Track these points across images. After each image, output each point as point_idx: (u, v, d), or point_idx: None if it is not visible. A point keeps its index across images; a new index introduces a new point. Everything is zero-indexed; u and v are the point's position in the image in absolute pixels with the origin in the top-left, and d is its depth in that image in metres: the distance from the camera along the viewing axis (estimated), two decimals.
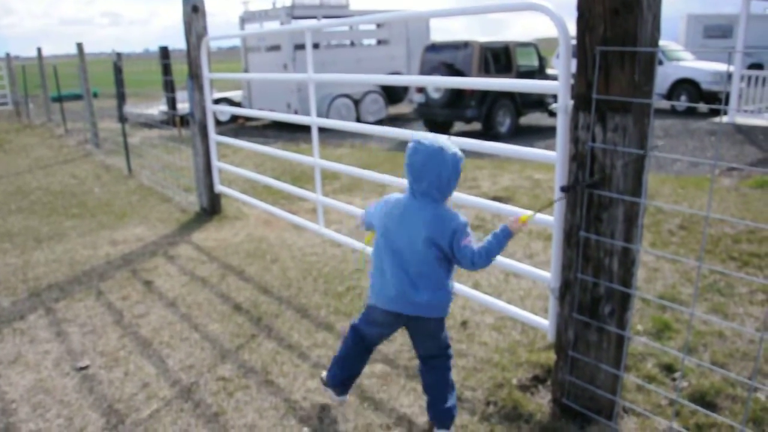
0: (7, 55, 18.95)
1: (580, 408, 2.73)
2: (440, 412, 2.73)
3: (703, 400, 2.91)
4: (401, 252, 2.57)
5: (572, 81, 2.59)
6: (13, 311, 4.22)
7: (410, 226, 2.55)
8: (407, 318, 2.65)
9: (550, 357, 3.15)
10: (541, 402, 2.96)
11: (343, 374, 2.88)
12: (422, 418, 2.88)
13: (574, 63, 2.53)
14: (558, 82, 2.71)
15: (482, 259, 2.51)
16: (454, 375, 3.19)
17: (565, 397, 2.78)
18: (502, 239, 2.53)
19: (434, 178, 2.48)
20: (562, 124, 2.68)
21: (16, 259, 5.26)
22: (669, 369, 3.19)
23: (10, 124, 16.41)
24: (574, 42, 2.50)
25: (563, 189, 2.57)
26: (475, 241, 2.56)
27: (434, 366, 2.77)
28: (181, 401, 3.09)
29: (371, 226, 2.79)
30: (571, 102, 2.54)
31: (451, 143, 2.55)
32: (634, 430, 2.73)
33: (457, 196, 3.63)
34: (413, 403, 3.00)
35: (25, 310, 4.24)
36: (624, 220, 2.44)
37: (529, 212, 2.64)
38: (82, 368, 3.44)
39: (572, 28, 2.55)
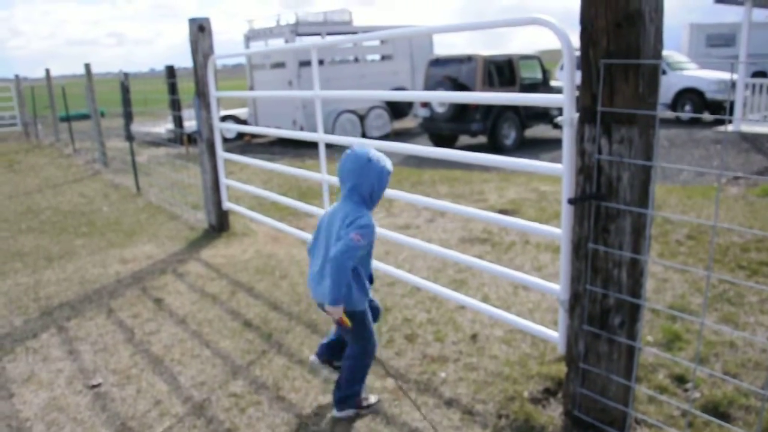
0: (16, 76, 19.17)
1: (592, 420, 2.73)
2: (334, 393, 3.02)
3: (716, 410, 2.90)
4: (321, 245, 2.87)
5: (577, 94, 2.62)
6: (26, 330, 4.25)
7: (332, 222, 2.82)
8: (319, 305, 2.88)
9: (561, 369, 3.15)
10: (552, 414, 2.96)
11: (331, 336, 3.15)
12: None
13: (578, 75, 2.56)
14: (563, 95, 2.73)
15: (341, 266, 2.61)
16: (464, 388, 3.21)
17: (576, 410, 2.78)
18: (338, 286, 2.63)
19: (357, 184, 2.76)
20: (567, 136, 2.71)
21: (28, 278, 5.30)
22: (680, 380, 3.18)
23: (19, 144, 16.55)
24: (577, 54, 2.53)
25: (570, 201, 2.59)
26: (361, 251, 2.69)
27: (347, 353, 2.99)
28: (193, 418, 3.11)
29: (310, 248, 3.01)
30: (577, 115, 2.57)
31: (383, 156, 2.82)
32: None
33: (464, 209, 3.65)
34: (425, 416, 3.00)
35: (38, 328, 4.27)
36: (632, 231, 2.46)
37: (349, 324, 2.81)
38: (94, 386, 3.46)
39: (575, 41, 2.58)
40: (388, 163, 2.83)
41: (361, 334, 2.93)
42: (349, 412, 3.01)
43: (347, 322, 2.76)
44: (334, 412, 3.02)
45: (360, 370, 3.00)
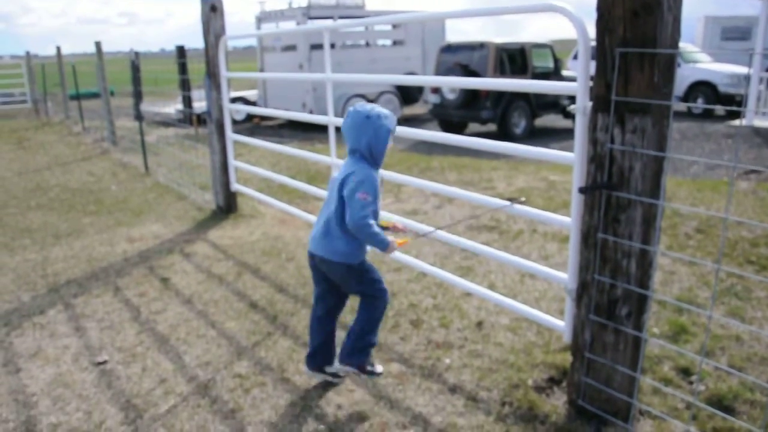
0: (27, 53, 19.17)
1: (595, 410, 2.73)
2: (344, 344, 3.01)
3: (721, 404, 2.90)
4: (327, 201, 2.92)
5: (590, 82, 2.59)
6: (33, 306, 4.28)
7: (337, 178, 2.85)
8: (314, 257, 2.96)
9: (566, 358, 3.15)
10: (556, 403, 2.96)
11: (310, 345, 3.16)
12: (438, 418, 2.89)
13: (592, 65, 2.53)
14: (576, 84, 2.71)
15: (363, 225, 2.69)
16: (468, 375, 3.21)
17: (580, 399, 2.78)
18: (378, 240, 2.76)
19: (356, 141, 2.83)
20: (580, 125, 2.68)
21: (36, 255, 5.33)
22: (686, 372, 3.17)
23: (29, 121, 16.59)
24: (592, 44, 2.51)
25: (581, 190, 2.57)
26: (372, 208, 2.74)
27: (360, 306, 3.01)
28: (198, 397, 3.12)
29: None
30: (590, 103, 2.54)
31: (385, 114, 2.85)
32: None
33: (473, 196, 3.64)
34: (429, 402, 3.01)
35: (45, 305, 4.29)
36: (642, 221, 2.44)
37: (408, 237, 3.05)
38: (100, 363, 3.48)
39: (591, 30, 2.55)
40: (388, 121, 2.85)
41: (367, 287, 2.96)
42: (348, 369, 3.00)
43: (404, 243, 2.95)
44: (336, 365, 3.03)
45: (373, 320, 2.98)
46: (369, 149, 2.83)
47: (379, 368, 3.13)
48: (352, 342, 2.98)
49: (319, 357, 3.13)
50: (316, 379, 3.19)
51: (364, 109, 2.84)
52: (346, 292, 3.09)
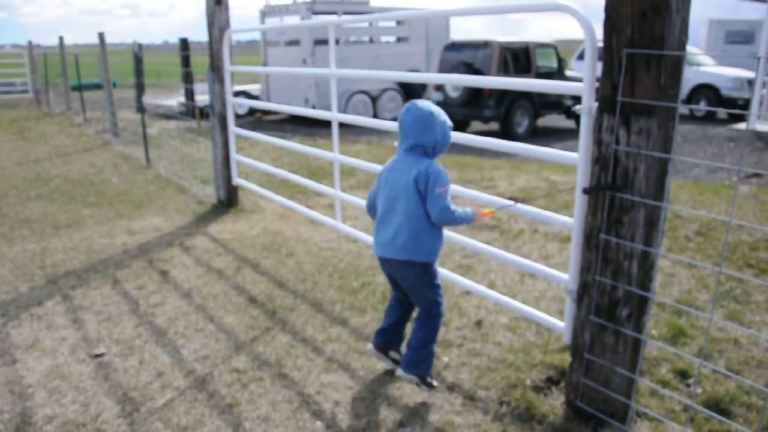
0: (29, 43, 19.13)
1: (593, 410, 2.72)
2: (406, 354, 2.97)
3: (718, 407, 2.89)
4: (390, 199, 2.85)
5: (596, 83, 2.58)
6: (31, 297, 4.27)
7: (398, 175, 2.81)
8: (390, 262, 2.90)
9: (564, 359, 3.15)
10: (554, 403, 2.95)
11: (382, 324, 3.17)
12: (435, 416, 2.88)
13: (598, 66, 2.52)
14: (582, 84, 2.70)
15: (449, 215, 2.73)
16: (467, 373, 3.20)
17: (578, 400, 2.78)
18: (463, 218, 2.78)
19: (419, 138, 2.78)
20: (585, 125, 2.67)
21: (35, 246, 5.32)
22: (683, 375, 3.17)
23: (30, 111, 16.57)
24: (599, 44, 2.49)
25: (585, 191, 2.56)
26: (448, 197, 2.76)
27: (418, 318, 2.99)
28: (195, 391, 3.12)
29: (373, 202, 3.04)
30: (596, 104, 2.53)
31: (441, 110, 2.86)
32: None
33: (475, 195, 3.63)
34: (426, 400, 3.00)
35: (43, 296, 4.28)
36: (645, 223, 2.43)
37: (493, 207, 3.06)
38: (97, 355, 3.48)
39: (598, 30, 2.53)
40: (448, 119, 2.87)
41: (436, 288, 2.94)
42: (411, 378, 2.96)
43: (490, 213, 2.95)
44: (400, 372, 2.98)
45: (432, 330, 2.96)
46: (434, 146, 2.82)
47: (435, 383, 3.09)
48: (416, 352, 2.95)
49: (388, 336, 3.15)
50: (378, 359, 3.21)
51: (425, 105, 2.81)
52: (414, 300, 3.03)
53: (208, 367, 3.35)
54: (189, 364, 3.38)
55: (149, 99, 14.74)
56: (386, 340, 3.16)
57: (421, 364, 2.96)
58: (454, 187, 3.78)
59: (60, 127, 13.39)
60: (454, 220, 2.76)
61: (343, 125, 4.86)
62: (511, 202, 3.22)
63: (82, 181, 7.87)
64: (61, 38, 15.31)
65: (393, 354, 3.18)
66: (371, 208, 3.08)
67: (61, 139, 11.55)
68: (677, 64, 2.28)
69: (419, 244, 2.80)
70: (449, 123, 2.87)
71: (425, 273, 2.89)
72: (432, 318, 2.95)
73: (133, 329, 3.79)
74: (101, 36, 10.81)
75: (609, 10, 2.34)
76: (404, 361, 2.98)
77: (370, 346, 3.19)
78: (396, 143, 2.94)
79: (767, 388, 2.97)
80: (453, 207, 2.74)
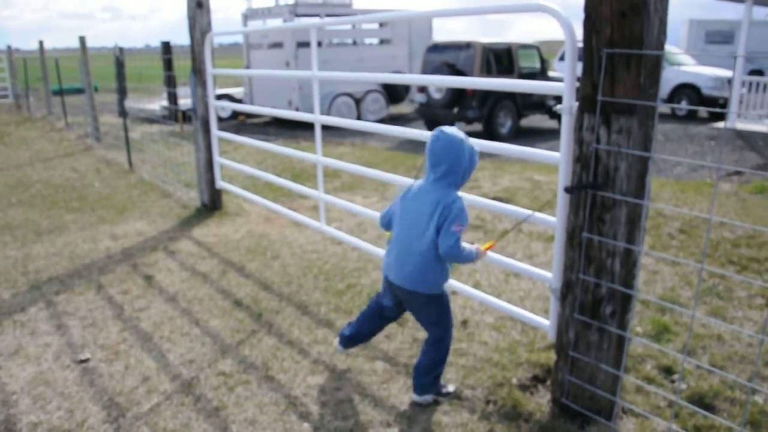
0: (8, 47, 18.92)
1: (579, 408, 2.74)
2: (415, 378, 2.98)
3: (702, 402, 2.93)
4: (407, 226, 2.82)
5: (577, 83, 2.60)
6: (14, 303, 4.22)
7: (420, 204, 2.78)
8: (398, 289, 2.89)
9: (550, 357, 3.17)
10: (540, 402, 2.97)
11: (353, 329, 3.20)
12: (422, 416, 2.89)
13: (579, 66, 2.55)
14: (563, 84, 2.72)
15: (458, 253, 2.72)
16: (453, 373, 3.21)
17: (564, 397, 2.80)
18: (468, 257, 2.78)
19: (451, 165, 2.73)
20: (566, 125, 2.70)
21: (17, 252, 5.26)
22: (668, 371, 3.20)
23: (10, 116, 16.39)
24: (580, 45, 2.52)
25: (567, 190, 2.58)
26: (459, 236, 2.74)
27: (428, 341, 2.98)
28: (181, 395, 3.10)
29: (389, 220, 3.01)
30: (576, 104, 2.56)
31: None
32: (633, 430, 2.75)
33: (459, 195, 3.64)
34: (413, 400, 3.01)
35: (26, 302, 4.24)
36: (627, 221, 2.46)
37: (492, 241, 3.01)
38: (82, 361, 3.45)
39: (578, 30, 2.56)
40: (472, 143, 2.87)
41: (442, 316, 2.94)
42: (428, 398, 2.96)
43: (491, 246, 2.97)
44: (414, 397, 2.97)
45: (441, 354, 2.96)
46: (464, 174, 2.78)
47: (451, 387, 3.08)
48: (426, 375, 2.95)
49: (359, 340, 3.24)
50: (339, 347, 3.27)
51: (454, 131, 2.76)
52: (421, 323, 3.03)
53: (194, 370, 3.33)
54: (175, 368, 3.37)
55: (131, 103, 14.64)
56: (356, 342, 3.25)
57: (432, 386, 2.98)
58: None
59: (41, 132, 13.26)
60: (460, 259, 2.75)
61: (327, 127, 4.86)
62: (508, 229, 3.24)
63: (64, 186, 7.80)
64: (41, 42, 15.17)
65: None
66: (385, 225, 3.05)
67: (42, 144, 11.44)
68: (656, 64, 2.31)
69: (425, 276, 2.80)
70: (476, 148, 2.85)
71: (432, 302, 2.89)
72: (442, 343, 2.95)
73: (118, 334, 3.76)
74: (82, 40, 10.72)
75: (588, 10, 2.36)
76: (417, 386, 2.97)
77: (338, 346, 3.26)
78: (420, 162, 2.93)
79: (750, 382, 3.01)
80: (462, 245, 2.72)
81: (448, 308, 2.96)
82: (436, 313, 2.93)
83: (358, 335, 3.21)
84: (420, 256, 2.76)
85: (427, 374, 2.95)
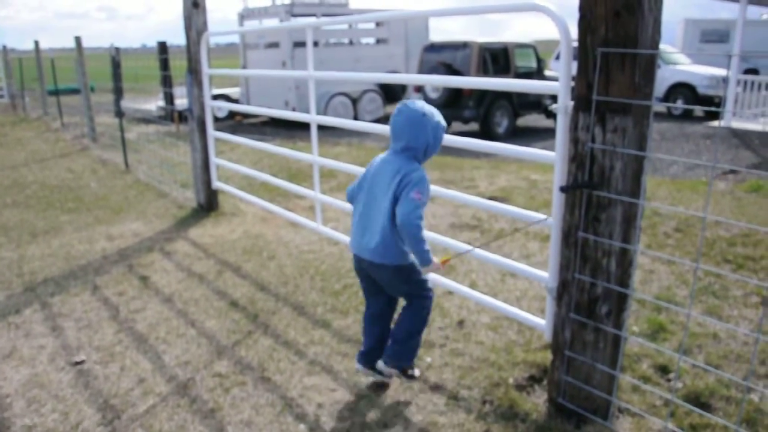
0: (4, 47, 18.89)
1: (575, 407, 2.74)
2: (389, 347, 2.96)
3: (698, 400, 2.93)
4: (369, 200, 2.80)
5: (572, 82, 2.60)
6: (8, 305, 4.21)
7: (382, 176, 2.76)
8: (365, 262, 2.86)
9: (546, 357, 3.17)
10: (537, 401, 2.97)
11: (364, 345, 3.10)
12: (418, 417, 2.89)
13: (574, 65, 2.54)
14: (558, 83, 2.72)
15: (414, 223, 2.60)
16: (450, 373, 3.21)
17: (561, 397, 2.79)
18: (422, 249, 2.66)
19: (412, 140, 2.71)
20: (561, 124, 2.69)
21: (12, 253, 5.25)
22: (664, 370, 3.20)
23: (5, 117, 16.35)
24: (575, 44, 2.52)
25: (562, 189, 2.58)
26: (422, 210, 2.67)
27: (405, 306, 2.97)
28: (177, 397, 3.09)
29: (354, 195, 2.97)
30: (572, 103, 2.55)
31: (435, 110, 2.76)
32: (630, 430, 2.74)
33: (455, 195, 3.65)
34: (410, 400, 3.01)
35: (21, 304, 4.23)
36: (622, 221, 2.45)
37: (451, 254, 2.90)
38: (77, 363, 3.44)
39: (573, 30, 2.56)
40: (441, 120, 2.79)
41: (414, 287, 2.91)
42: (391, 371, 2.96)
43: (447, 260, 2.82)
44: (379, 363, 2.97)
45: (418, 320, 2.94)
46: (425, 149, 2.75)
47: (417, 372, 3.08)
48: (400, 345, 2.93)
49: (374, 355, 3.06)
50: (367, 376, 3.11)
51: (417, 106, 2.73)
52: (392, 294, 3.00)
53: (190, 372, 3.32)
54: (171, 369, 3.36)
55: (128, 103, 14.63)
56: (373, 359, 3.07)
57: (403, 357, 2.96)
58: (434, 188, 3.79)
59: (37, 132, 13.23)
60: (415, 238, 2.63)
61: (323, 127, 4.85)
62: (470, 248, 3.15)
63: (59, 187, 7.78)
64: (36, 42, 15.12)
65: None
66: (350, 199, 3.03)
67: (37, 145, 11.41)
68: (651, 63, 2.31)
69: (389, 248, 2.77)
70: (443, 124, 2.79)
71: (401, 272, 2.85)
72: (418, 308, 2.92)
73: (113, 335, 3.75)
74: (78, 40, 10.69)
75: (583, 9, 2.36)
76: (386, 353, 2.95)
77: (357, 365, 3.10)
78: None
79: (746, 381, 3.01)
80: (422, 224, 2.64)
81: (418, 278, 2.90)
82: (406, 285, 2.89)
83: (367, 352, 3.07)
84: (383, 228, 2.74)
85: (404, 342, 2.93)
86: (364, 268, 2.93)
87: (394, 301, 3.10)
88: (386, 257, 2.78)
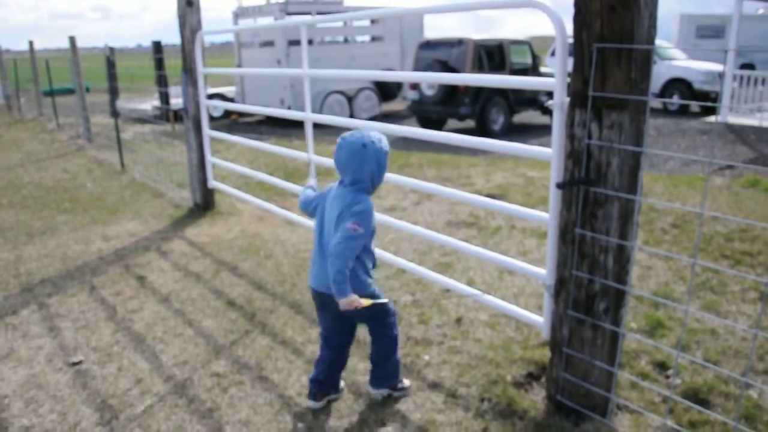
0: None
1: (574, 405, 2.74)
2: (372, 372, 2.97)
3: (696, 397, 2.93)
4: (323, 233, 2.76)
5: (568, 78, 2.60)
6: (5, 306, 4.19)
7: (332, 209, 2.72)
8: (322, 295, 2.78)
9: (545, 354, 3.16)
10: (535, 399, 2.97)
11: (316, 373, 2.97)
12: (417, 414, 2.88)
13: (569, 61, 2.54)
14: (554, 79, 2.71)
15: (336, 255, 2.54)
16: (448, 371, 3.21)
17: (559, 394, 2.79)
18: (339, 281, 2.54)
19: (356, 172, 2.67)
20: (557, 121, 2.69)
21: (8, 254, 5.23)
22: (662, 366, 3.20)
23: (1, 118, 16.29)
24: (570, 40, 2.51)
25: (559, 186, 2.57)
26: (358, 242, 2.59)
27: (370, 332, 2.94)
28: (175, 397, 3.08)
29: (306, 208, 2.93)
30: (567, 99, 2.55)
31: (377, 135, 2.71)
32: (628, 427, 2.74)
33: (452, 192, 3.64)
34: (408, 399, 3.00)
35: (18, 305, 4.21)
36: (619, 217, 2.45)
37: (369, 302, 2.69)
38: (75, 363, 3.43)
39: (569, 26, 2.55)
40: (384, 143, 2.72)
41: (378, 311, 2.83)
42: (383, 392, 2.97)
43: (365, 304, 2.65)
44: (369, 389, 2.98)
45: (390, 344, 2.92)
46: (371, 179, 2.69)
47: (407, 382, 3.06)
48: (380, 368, 2.93)
49: (326, 387, 2.98)
50: (319, 405, 2.98)
51: (356, 137, 2.67)
52: (356, 321, 2.92)
53: (188, 372, 3.31)
54: (168, 369, 3.35)
55: (123, 103, 14.58)
56: (325, 390, 2.98)
57: (387, 377, 2.96)
58: (432, 185, 3.79)
59: (32, 133, 13.18)
60: (336, 270, 2.52)
61: (319, 125, 4.84)
62: (385, 300, 2.88)
63: (55, 188, 7.75)
64: (31, 43, 15.08)
65: (332, 395, 3.02)
66: (302, 209, 2.95)
67: (33, 146, 11.38)
68: (647, 58, 2.30)
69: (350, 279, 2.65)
70: (385, 149, 2.71)
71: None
72: (384, 327, 2.89)
73: (110, 336, 3.74)
74: (72, 40, 10.66)
75: (578, 5, 2.35)
76: (372, 378, 2.97)
77: (310, 402, 2.95)
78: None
79: (744, 377, 3.01)
80: (348, 262, 2.55)
81: (380, 295, 2.83)
82: (367, 311, 2.74)
83: (318, 379, 2.94)
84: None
85: (383, 365, 2.93)
86: (323, 302, 2.82)
87: (352, 338, 3.00)
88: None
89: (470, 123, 12.49)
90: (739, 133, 10.91)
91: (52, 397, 3.11)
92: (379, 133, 2.77)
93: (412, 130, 3.89)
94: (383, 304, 2.84)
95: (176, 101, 8.51)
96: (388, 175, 4.02)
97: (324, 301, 2.80)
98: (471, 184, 7.25)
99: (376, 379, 2.98)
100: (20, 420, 2.93)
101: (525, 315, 3.20)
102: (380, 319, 2.88)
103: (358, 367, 3.27)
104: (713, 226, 5.38)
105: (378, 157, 2.68)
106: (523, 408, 2.89)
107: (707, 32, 20.63)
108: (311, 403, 2.96)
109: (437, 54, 12.17)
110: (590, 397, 2.71)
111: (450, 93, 11.96)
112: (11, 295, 4.39)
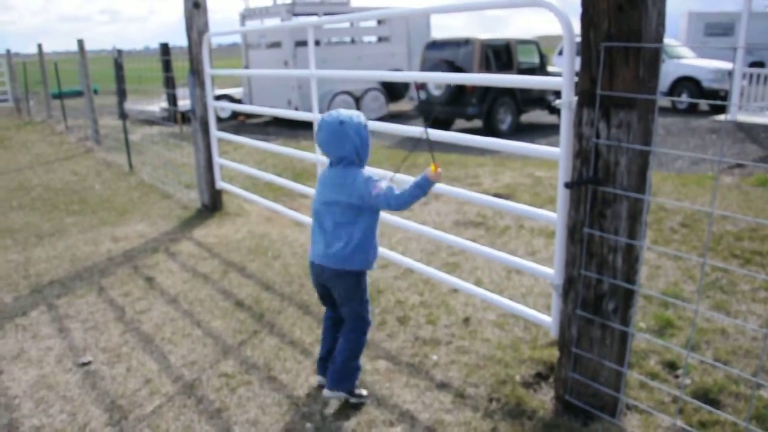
0: (8, 51, 18.92)
1: (583, 405, 2.73)
2: (331, 372, 2.93)
3: (707, 397, 2.91)
4: (322, 211, 2.86)
5: (576, 77, 2.59)
6: (15, 307, 4.22)
7: (328, 188, 2.84)
8: (326, 270, 2.86)
9: (553, 354, 3.15)
10: (544, 399, 2.96)
11: (322, 351, 3.12)
12: (425, 415, 2.88)
13: (577, 60, 2.53)
14: (561, 79, 2.70)
15: (396, 201, 2.70)
16: (456, 371, 3.20)
17: (568, 394, 2.78)
18: (419, 190, 2.69)
19: (340, 150, 2.77)
20: (565, 120, 2.68)
21: (18, 256, 5.26)
22: (672, 366, 3.19)
23: (10, 120, 16.40)
24: (578, 39, 2.50)
25: (567, 185, 2.56)
26: (387, 185, 2.75)
27: (344, 330, 2.98)
28: (183, 397, 3.09)
29: None
30: (575, 98, 2.54)
31: (353, 112, 2.83)
32: (638, 427, 2.73)
33: (460, 192, 3.64)
34: (416, 399, 3.00)
35: (27, 306, 4.24)
36: (628, 216, 2.44)
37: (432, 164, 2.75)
38: (84, 364, 3.44)
39: (576, 25, 2.54)
40: (361, 118, 2.84)
41: (363, 302, 2.93)
42: (339, 395, 2.94)
43: (436, 167, 2.71)
44: (325, 391, 2.98)
45: (357, 345, 2.95)
46: (356, 153, 2.79)
47: (365, 392, 3.06)
48: (341, 367, 2.92)
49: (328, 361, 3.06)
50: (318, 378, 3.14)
51: (332, 117, 2.79)
52: (344, 306, 2.96)
53: (196, 372, 3.32)
54: (177, 369, 3.36)
55: (131, 105, 14.65)
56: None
57: (346, 380, 2.94)
58: (440, 185, 3.78)
59: (41, 135, 13.26)
60: (412, 200, 2.71)
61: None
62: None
63: (64, 189, 7.80)
64: (39, 46, 15.16)
65: (355, 398, 3.06)
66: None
67: (42, 148, 11.44)
68: (655, 57, 2.29)
69: (353, 253, 2.80)
70: (364, 122, 2.83)
71: (359, 284, 2.88)
72: (357, 333, 2.95)
73: (119, 336, 3.75)
74: (81, 43, 10.71)
75: (585, 4, 2.35)
76: (330, 379, 2.94)
77: (319, 377, 3.13)
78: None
79: (755, 377, 2.99)
80: (398, 192, 2.71)
81: (367, 298, 2.95)
82: (360, 297, 2.92)
83: (324, 357, 3.09)
84: (339, 234, 2.80)
85: (343, 366, 2.91)
86: (323, 280, 2.92)
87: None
88: (348, 263, 2.81)
89: (478, 123, 12.47)
90: (748, 131, 10.84)
91: (61, 397, 3.13)
92: (355, 111, 2.88)
93: (419, 131, 3.87)
94: (364, 303, 2.96)
95: (184, 103, 8.54)
96: (397, 176, 4.03)
97: (325, 276, 2.89)
98: (479, 184, 7.24)
99: (334, 380, 2.93)
100: (30, 420, 2.95)
101: (533, 315, 3.19)
102: (361, 317, 2.95)
103: (366, 367, 3.27)
104: (723, 225, 5.35)
105: (357, 130, 2.78)
106: (531, 408, 2.88)
107: (716, 30, 20.50)
108: (320, 378, 3.11)
109: (444, 54, 12.16)
110: (599, 397, 2.70)
111: (457, 93, 11.95)
112: (21, 296, 4.41)
